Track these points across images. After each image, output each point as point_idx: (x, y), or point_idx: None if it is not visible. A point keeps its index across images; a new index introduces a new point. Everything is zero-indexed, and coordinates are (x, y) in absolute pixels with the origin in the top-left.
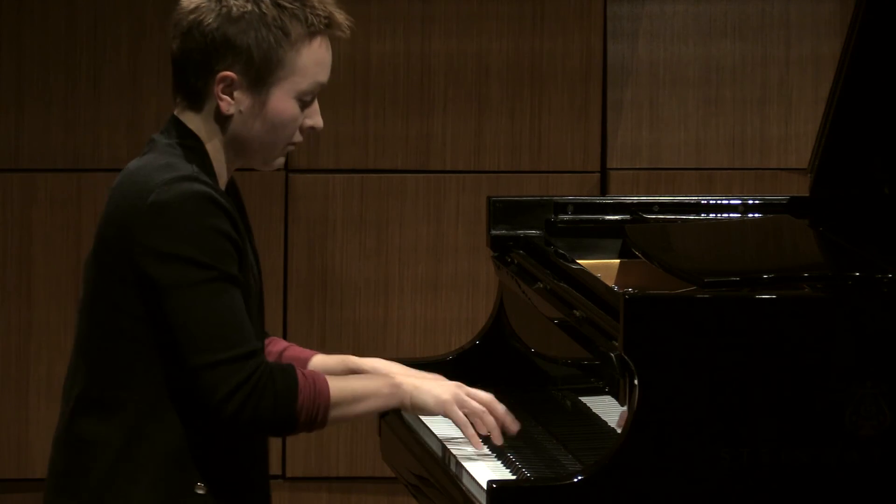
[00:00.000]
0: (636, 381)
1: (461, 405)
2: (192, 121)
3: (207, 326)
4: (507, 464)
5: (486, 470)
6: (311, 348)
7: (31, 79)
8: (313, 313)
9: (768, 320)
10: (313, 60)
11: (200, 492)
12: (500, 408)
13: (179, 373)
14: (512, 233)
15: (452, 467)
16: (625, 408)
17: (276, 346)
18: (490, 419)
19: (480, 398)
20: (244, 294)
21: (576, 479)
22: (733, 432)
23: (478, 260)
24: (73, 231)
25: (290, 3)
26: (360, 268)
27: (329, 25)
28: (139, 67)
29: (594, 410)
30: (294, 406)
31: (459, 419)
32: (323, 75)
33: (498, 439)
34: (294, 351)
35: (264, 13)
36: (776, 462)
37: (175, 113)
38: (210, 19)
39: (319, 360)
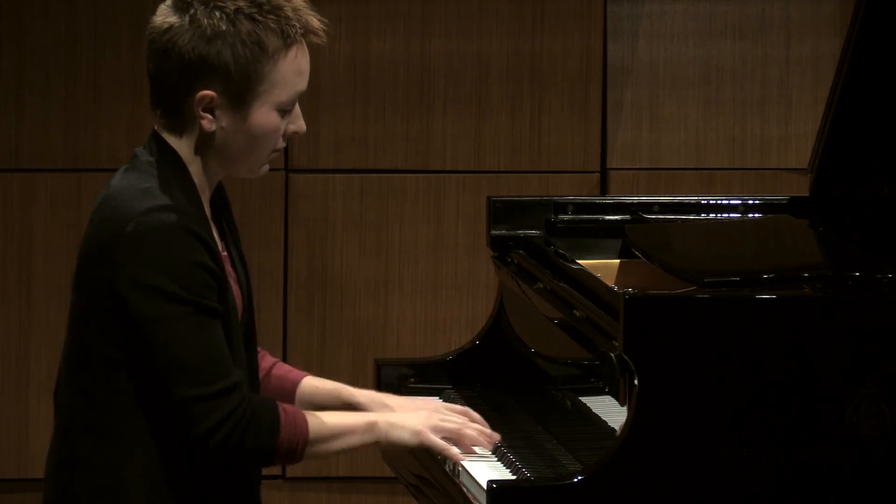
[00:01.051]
0: (636, 381)
1: (437, 431)
2: (173, 138)
3: (189, 361)
4: (507, 464)
5: (486, 470)
6: (311, 348)
7: (31, 79)
8: (313, 313)
9: (768, 320)
10: (292, 71)
11: None
12: (476, 416)
13: (160, 400)
14: (512, 233)
15: (452, 467)
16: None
17: (265, 363)
18: (470, 432)
19: (455, 413)
20: (224, 322)
21: (576, 479)
22: (733, 432)
23: (478, 260)
24: (73, 231)
25: (264, 17)
26: (360, 268)
27: (305, 34)
28: (139, 67)
29: (594, 410)
30: (275, 442)
31: (438, 445)
32: (302, 84)
33: (487, 445)
34: (282, 370)
35: (239, 29)
36: (776, 462)
37: (155, 128)
38: (185, 40)
39: (310, 384)
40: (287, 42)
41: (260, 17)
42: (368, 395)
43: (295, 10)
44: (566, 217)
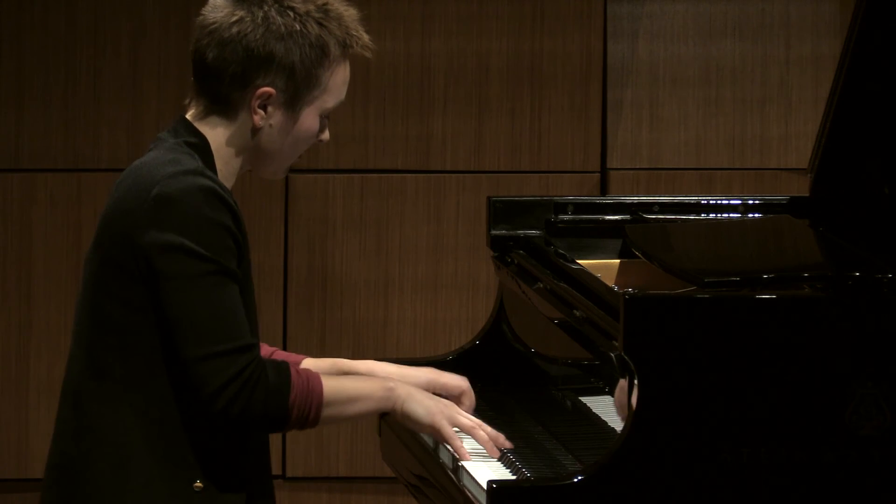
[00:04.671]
0: (636, 381)
1: (451, 421)
2: (212, 127)
3: (203, 319)
4: (507, 464)
5: (485, 470)
6: (311, 348)
7: (31, 79)
8: (313, 313)
9: (768, 320)
10: (342, 80)
11: (198, 488)
12: (489, 429)
13: (172, 365)
14: (512, 233)
15: (452, 467)
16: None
17: (264, 352)
18: (481, 434)
19: (470, 419)
20: (244, 291)
21: (576, 479)
22: (733, 432)
23: (478, 260)
24: (73, 231)
25: (329, 23)
26: (360, 268)
27: (360, 45)
28: (139, 67)
29: (594, 410)
30: (286, 402)
31: (447, 432)
32: (344, 94)
33: (493, 452)
34: (281, 355)
35: (309, 31)
36: (776, 462)
37: (188, 115)
38: (257, 34)
39: (309, 364)
40: (344, 51)
41: (325, 23)
42: (367, 365)
43: (353, 20)
44: (566, 217)
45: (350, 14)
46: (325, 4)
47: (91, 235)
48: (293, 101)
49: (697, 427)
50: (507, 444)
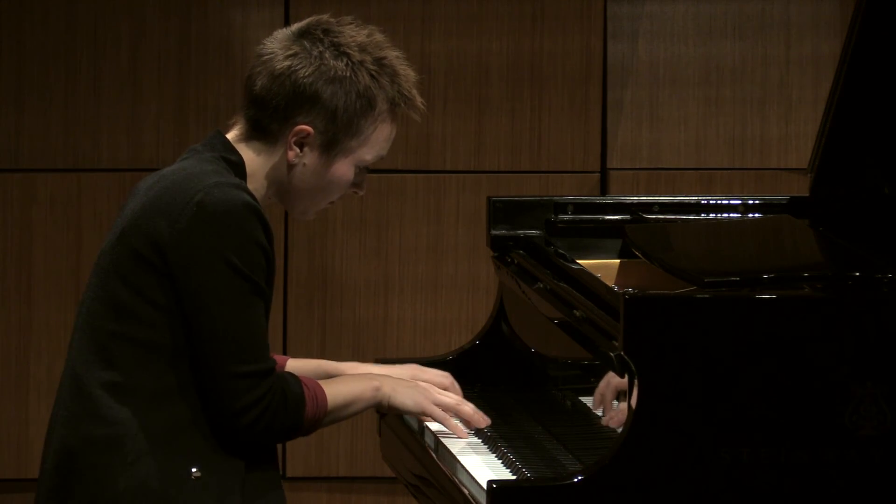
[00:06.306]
0: (636, 381)
1: (437, 403)
2: (252, 151)
3: (235, 337)
4: (507, 464)
5: (485, 470)
6: (311, 348)
7: (31, 79)
8: (313, 313)
9: (768, 320)
10: (385, 136)
11: (195, 477)
12: (471, 405)
13: (184, 360)
14: (512, 233)
15: (452, 467)
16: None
17: None
18: (467, 409)
19: (451, 396)
20: (266, 308)
21: (576, 479)
22: (733, 432)
23: (478, 260)
24: (73, 231)
25: (382, 77)
26: (360, 268)
27: (410, 106)
28: (139, 67)
29: (594, 410)
30: (302, 418)
31: (438, 415)
32: (386, 150)
33: (480, 423)
34: None
35: (358, 80)
36: (776, 462)
37: (230, 134)
38: (307, 72)
39: (294, 366)
40: (393, 109)
41: (378, 76)
42: (352, 367)
43: (408, 80)
44: (566, 217)
45: (406, 73)
46: (382, 58)
47: (91, 235)
48: (330, 145)
49: (697, 427)
50: (487, 419)
